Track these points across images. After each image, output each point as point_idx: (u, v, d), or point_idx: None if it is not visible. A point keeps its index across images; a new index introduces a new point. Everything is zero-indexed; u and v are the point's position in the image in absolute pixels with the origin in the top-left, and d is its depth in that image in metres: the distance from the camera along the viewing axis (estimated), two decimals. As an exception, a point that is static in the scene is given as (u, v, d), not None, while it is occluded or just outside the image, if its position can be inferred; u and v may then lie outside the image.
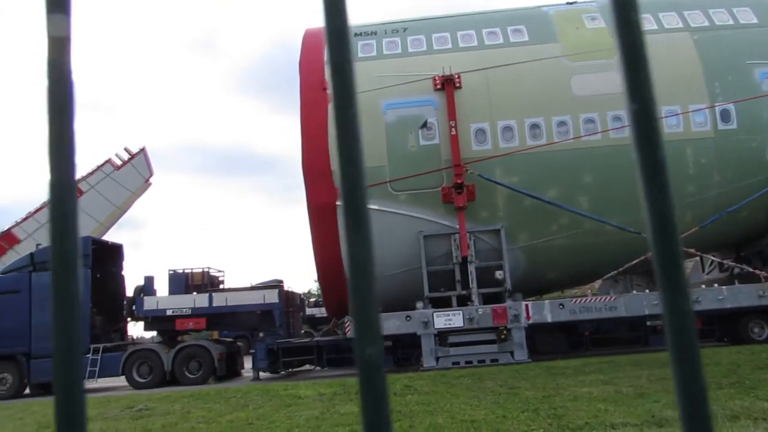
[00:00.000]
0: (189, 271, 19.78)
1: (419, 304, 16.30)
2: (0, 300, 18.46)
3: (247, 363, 19.70)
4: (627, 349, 16.02)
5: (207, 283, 19.90)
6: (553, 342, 16.62)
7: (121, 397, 14.12)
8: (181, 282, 19.41)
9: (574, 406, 8.71)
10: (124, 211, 34.94)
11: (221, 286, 20.62)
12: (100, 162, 33.29)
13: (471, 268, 16.53)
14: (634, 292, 17.53)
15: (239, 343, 21.35)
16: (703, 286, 17.70)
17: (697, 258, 19.20)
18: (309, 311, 30.53)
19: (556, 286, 20.07)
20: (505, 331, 15.85)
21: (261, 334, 18.20)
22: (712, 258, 18.44)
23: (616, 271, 16.99)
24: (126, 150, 34.15)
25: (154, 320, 19.06)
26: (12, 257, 25.87)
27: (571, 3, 19.16)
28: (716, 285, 17.06)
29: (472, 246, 16.65)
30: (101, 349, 18.03)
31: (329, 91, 0.68)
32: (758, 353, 12.81)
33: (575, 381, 10.98)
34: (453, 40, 18.02)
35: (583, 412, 8.23)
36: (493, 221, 16.95)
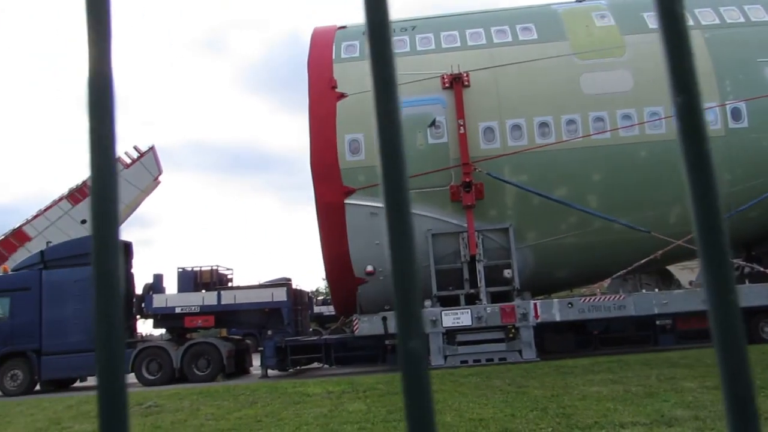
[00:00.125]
0: (198, 268, 19.86)
1: (427, 303, 16.30)
2: (11, 297, 18.60)
3: (256, 361, 19.75)
4: (636, 349, 15.96)
5: (216, 280, 19.96)
6: (562, 341, 16.58)
7: (131, 393, 14.13)
8: (190, 280, 19.48)
9: (582, 405, 8.69)
10: (134, 209, 35.15)
11: (230, 284, 20.68)
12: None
13: (479, 267, 16.51)
14: (644, 291, 17.47)
15: (248, 341, 21.41)
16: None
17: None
18: (317, 309, 30.60)
19: (565, 285, 20.03)
20: (513, 330, 15.83)
21: (269, 332, 18.23)
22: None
23: (625, 270, 16.92)
24: (135, 148, 34.32)
25: (163, 318, 19.14)
26: (23, 255, 26.08)
27: (580, 1, 19.08)
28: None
29: (480, 245, 16.63)
30: (111, 346, 18.11)
31: (370, 85, 0.69)
32: (769, 353, 12.73)
33: (584, 380, 10.95)
34: (461, 38, 17.99)
35: (592, 411, 8.21)
36: (501, 220, 16.92)
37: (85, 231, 27.66)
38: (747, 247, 18.64)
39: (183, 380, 17.69)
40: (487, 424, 7.86)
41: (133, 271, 21.17)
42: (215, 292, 18.94)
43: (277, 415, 9.75)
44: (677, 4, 0.62)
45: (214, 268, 20.29)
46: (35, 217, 31.36)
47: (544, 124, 17.01)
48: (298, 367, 18.35)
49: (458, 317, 16.01)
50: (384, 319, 16.29)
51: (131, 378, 18.33)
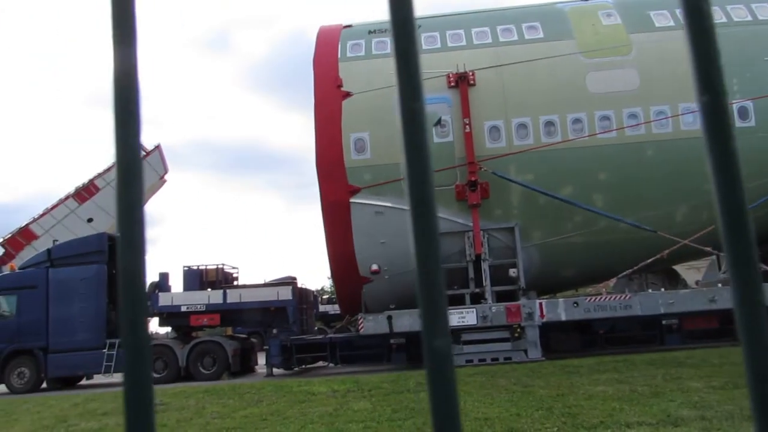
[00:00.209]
0: (203, 267, 19.91)
1: (432, 302, 16.27)
2: (18, 295, 18.70)
3: (261, 359, 19.79)
4: (642, 348, 15.91)
5: (221, 279, 20.01)
6: (568, 340, 16.54)
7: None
8: (196, 278, 19.54)
9: (588, 404, 8.67)
10: (140, 208, 35.18)
11: (235, 283, 20.72)
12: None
13: (484, 266, 16.48)
14: (650, 290, 17.40)
15: (253, 340, 21.46)
16: (720, 285, 17.52)
17: (714, 257, 19.00)
18: (322, 308, 30.62)
19: (571, 285, 19.97)
20: (518, 329, 15.80)
21: (274, 331, 18.27)
22: (729, 257, 18.25)
23: (631, 270, 16.87)
24: (141, 147, 34.39)
25: (168, 316, 19.20)
26: (29, 253, 26.20)
27: (586, -1, 19.02)
28: (733, 284, 16.88)
29: (485, 244, 16.60)
30: (117, 344, 18.18)
31: (394, 82, 0.69)
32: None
33: (589, 380, 10.93)
34: (467, 37, 17.96)
35: (597, 411, 8.19)
36: (507, 219, 16.89)
37: (91, 229, 27.77)
38: (754, 247, 18.53)
39: (188, 378, 17.74)
40: (492, 424, 7.85)
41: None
42: (221, 291, 18.99)
43: (283, 414, 9.77)
44: (704, 1, 0.62)
45: (220, 266, 20.34)
46: (42, 215, 31.50)
47: (550, 123, 16.97)
48: (303, 366, 18.37)
49: (463, 316, 15.99)
50: (389, 318, 16.29)
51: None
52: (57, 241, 21.90)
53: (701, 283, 20.07)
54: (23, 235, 30.56)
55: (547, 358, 15.28)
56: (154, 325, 21.84)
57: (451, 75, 17.17)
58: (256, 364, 20.69)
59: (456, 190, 16.75)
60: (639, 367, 12.02)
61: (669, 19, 17.74)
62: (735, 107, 16.70)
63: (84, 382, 19.98)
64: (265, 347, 18.67)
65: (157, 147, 34.84)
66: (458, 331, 16.00)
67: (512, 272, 16.44)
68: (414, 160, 0.65)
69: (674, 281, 20.32)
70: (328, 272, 35.78)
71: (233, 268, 21.44)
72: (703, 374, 10.60)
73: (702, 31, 0.63)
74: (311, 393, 11.57)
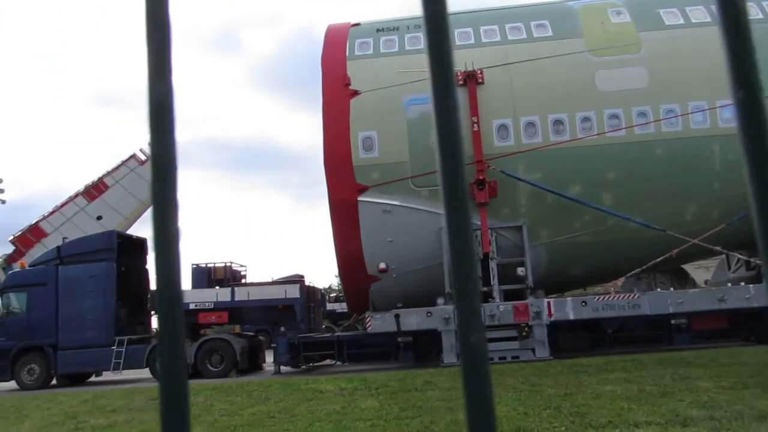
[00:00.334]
0: (212, 265, 19.98)
1: (440, 300, 16.27)
2: (28, 292, 18.83)
3: (269, 357, 19.85)
4: (651, 348, 15.84)
5: (229, 277, 20.08)
6: (576, 339, 16.48)
7: (145, 388, 14.32)
8: (204, 276, 19.61)
9: (596, 404, 8.64)
10: (148, 206, 35.10)
11: (243, 281, 20.79)
12: (124, 157, 33.76)
13: (492, 265, 16.44)
14: (658, 290, 17.31)
15: (261, 338, 21.51)
16: (730, 284, 17.41)
17: (723, 256, 18.88)
18: (330, 306, 30.68)
19: (579, 284, 19.90)
20: (526, 328, 15.76)
21: (282, 329, 18.30)
22: (739, 256, 18.12)
23: (639, 269, 16.78)
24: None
25: (177, 314, 19.27)
26: (39, 250, 26.36)
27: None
28: (743, 283, 16.77)
29: (493, 242, 16.57)
30: (126, 341, 18.29)
31: (428, 80, 0.69)
32: (786, 353, 12.58)
33: (598, 379, 10.89)
34: (476, 35, 17.91)
35: (606, 410, 8.16)
36: (515, 218, 16.85)
37: (100, 227, 27.92)
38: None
39: (197, 376, 17.81)
40: (500, 423, 7.83)
41: (147, 267, 21.36)
42: (229, 289, 19.05)
43: (290, 412, 9.79)
44: (738, -4, 0.61)
45: (228, 264, 20.41)
46: (51, 213, 31.69)
47: (558, 122, 16.90)
48: (311, 364, 18.40)
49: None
50: (397, 316, 16.29)
51: (146, 373, 18.48)
52: (66, 238, 22.03)
53: (710, 283, 19.95)
54: (33, 233, 30.76)
55: (555, 357, 15.24)
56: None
57: (459, 73, 17.11)
58: (264, 361, 20.75)
59: (464, 189, 16.71)
60: (647, 367, 11.96)
61: (679, 17, 17.62)
62: None
63: (93, 378, 20.10)
64: (272, 345, 18.71)
65: (166, 145, 34.93)
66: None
67: (520, 271, 16.40)
68: (448, 155, 0.65)
69: (683, 280, 20.20)
70: (335, 270, 35.86)
71: (241, 266, 21.52)
72: (713, 374, 10.54)
73: (737, 26, 0.62)
74: (319, 391, 11.59)
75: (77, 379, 19.43)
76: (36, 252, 26.63)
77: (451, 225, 0.65)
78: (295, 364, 17.90)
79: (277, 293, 19.00)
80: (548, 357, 15.30)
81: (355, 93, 17.27)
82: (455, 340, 15.91)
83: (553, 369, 12.76)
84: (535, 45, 17.42)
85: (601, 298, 16.38)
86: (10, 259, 29.36)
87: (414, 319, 16.21)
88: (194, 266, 19.84)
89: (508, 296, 16.49)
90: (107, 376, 19.29)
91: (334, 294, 37.30)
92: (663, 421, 7.31)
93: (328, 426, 8.55)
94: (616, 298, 16.33)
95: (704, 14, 17.60)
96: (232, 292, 18.87)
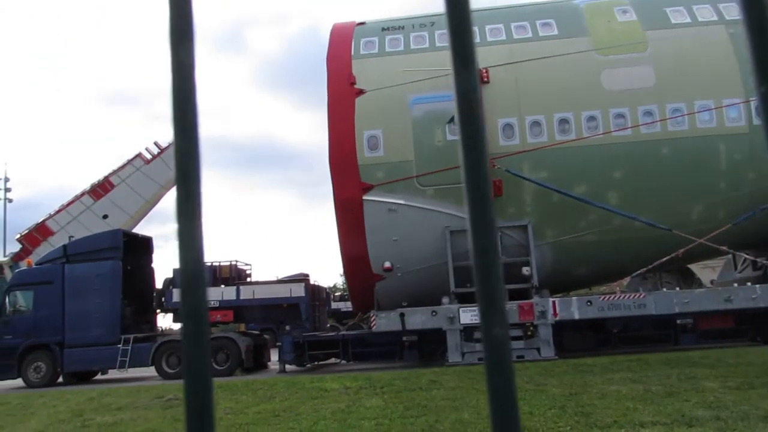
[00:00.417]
0: (217, 264, 20.02)
1: (445, 300, 16.27)
2: (34, 291, 18.92)
3: (274, 356, 19.88)
4: (656, 348, 15.80)
5: (234, 276, 20.11)
6: (581, 339, 16.44)
7: (151, 387, 14.38)
8: (209, 275, 19.65)
9: (602, 404, 8.62)
10: (154, 205, 35.49)
11: (248, 280, 20.83)
12: (130, 156, 33.88)
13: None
14: (664, 289, 17.26)
15: (266, 336, 21.56)
16: (736, 284, 17.34)
17: (730, 256, 18.81)
18: (334, 305, 30.71)
19: (584, 283, 19.85)
20: (531, 328, 15.74)
21: (287, 327, 18.34)
22: (745, 256, 18.06)
23: (645, 268, 16.73)
24: (156, 144, 34.65)
25: (182, 312, 19.33)
26: (46, 249, 26.48)
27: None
28: (749, 283, 16.71)
29: (498, 241, 16.52)
30: (131, 339, 18.36)
31: (451, 76, 0.69)
32: (793, 354, 12.52)
33: (603, 379, 10.87)
34: (481, 34, 17.87)
35: (611, 410, 8.14)
36: (520, 217, 16.82)
37: (106, 226, 28.02)
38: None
39: (202, 374, 17.83)
40: (504, 422, 7.82)
41: (153, 265, 21.44)
42: (234, 288, 19.09)
43: (295, 410, 9.81)
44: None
45: (233, 263, 20.45)
46: (58, 211, 31.83)
47: (564, 121, 16.86)
48: (316, 363, 18.43)
49: (476, 314, 15.88)
50: (401, 315, 16.29)
51: (151, 371, 18.55)
52: (73, 237, 22.12)
53: (716, 283, 19.88)
54: (40, 231, 30.90)
55: (560, 356, 15.22)
56: (168, 322, 22.03)
57: (464, 72, 17.10)
58: (269, 360, 20.80)
59: (469, 188, 16.70)
60: (653, 367, 11.93)
61: (685, 15, 17.55)
62: (753, 105, 16.49)
63: (99, 377, 20.19)
64: (277, 344, 18.75)
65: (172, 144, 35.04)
66: (471, 329, 15.97)
67: (525, 270, 16.37)
68: (471, 149, 0.66)
69: (689, 280, 20.15)
70: (340, 269, 35.88)
71: (246, 264, 21.56)
72: (719, 374, 10.50)
73: (760, 21, 0.62)
74: (324, 389, 11.61)
75: (83, 377, 19.52)
76: (42, 250, 26.76)
77: (475, 219, 0.66)
78: (300, 362, 17.93)
79: (282, 292, 19.03)
80: (553, 357, 15.28)
81: (361, 92, 17.27)
82: (459, 339, 15.91)
83: (558, 369, 12.74)
84: (541, 44, 17.39)
85: (606, 298, 16.35)
86: (17, 257, 29.51)
87: (419, 318, 16.21)
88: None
89: (513, 296, 16.45)
90: (113, 374, 19.37)
91: (339, 293, 37.33)
92: (669, 422, 7.28)
93: (333, 424, 8.56)
94: (621, 297, 16.29)
95: (711, 13, 17.52)
96: (238, 291, 18.91)
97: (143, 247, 21.27)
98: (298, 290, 18.93)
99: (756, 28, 0.61)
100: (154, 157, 34.00)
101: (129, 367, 18.21)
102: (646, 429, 7.05)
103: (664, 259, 16.05)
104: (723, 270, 20.96)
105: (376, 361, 17.42)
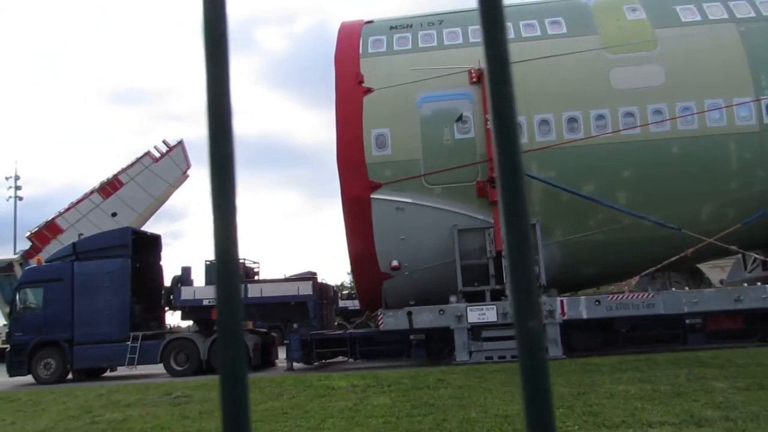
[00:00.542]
0: (225, 262, 20.06)
1: (453, 298, 16.25)
2: (44, 288, 19.05)
3: (281, 353, 19.94)
4: (665, 348, 15.73)
5: (242, 274, 20.10)
6: (589, 339, 16.39)
7: (159, 384, 14.45)
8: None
9: (610, 403, 8.60)
10: (162, 203, 35.67)
11: (256, 278, 20.88)
12: (139, 154, 34.04)
13: (505, 263, 16.34)
14: (673, 289, 17.18)
15: (273, 334, 21.61)
16: (746, 284, 17.24)
17: (739, 255, 18.69)
18: (342, 303, 30.74)
19: (592, 282, 19.79)
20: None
21: (295, 326, 18.38)
22: (755, 256, 17.94)
23: (654, 268, 16.66)
24: (164, 143, 34.82)
25: (191, 310, 19.42)
26: (55, 246, 26.66)
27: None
28: (759, 283, 16.60)
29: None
30: (140, 336, 18.46)
31: (484, 71, 0.70)
32: (803, 354, 12.44)
33: (611, 378, 10.83)
34: (489, 32, 17.83)
35: (619, 410, 8.12)
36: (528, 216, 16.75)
37: (115, 224, 28.18)
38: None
39: (210, 371, 17.93)
40: (512, 421, 7.83)
41: (161, 263, 21.54)
42: (242, 286, 19.09)
43: (303, 408, 9.84)
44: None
45: (241, 261, 20.45)
46: (67, 209, 32.03)
47: (572, 119, 16.80)
48: (323, 361, 18.46)
49: (484, 313, 15.94)
50: (409, 314, 16.29)
51: (160, 368, 18.65)
52: (82, 235, 22.25)
53: (726, 282, 19.76)
54: (49, 229, 31.11)
55: (567, 356, 15.17)
56: (176, 319, 22.13)
57: (473, 71, 17.08)
58: (277, 358, 20.86)
59: (477, 187, 16.68)
60: (662, 367, 11.88)
61: (695, 13, 17.43)
62: (764, 104, 16.39)
63: (108, 374, 20.31)
64: (285, 342, 18.80)
65: (180, 143, 35.20)
66: (478, 328, 15.96)
67: (533, 269, 16.32)
68: (505, 145, 0.66)
69: (698, 280, 20.04)
70: (348, 268, 35.90)
71: (254, 262, 21.62)
72: (728, 375, 10.44)
73: None
74: (331, 387, 11.63)
75: (92, 373, 19.64)
76: (52, 248, 26.94)
77: (508, 213, 0.67)
78: (308, 360, 17.96)
79: (290, 290, 19.07)
80: (561, 356, 15.23)
81: (369, 90, 17.28)
82: (467, 338, 15.89)
83: (566, 368, 12.70)
84: (550, 42, 17.33)
85: (614, 297, 16.29)
86: (27, 255, 29.72)
87: (426, 317, 16.21)
88: (208, 263, 19.95)
89: (520, 295, 16.42)
90: (122, 371, 19.48)
91: (347, 291, 37.36)
92: (677, 422, 7.26)
93: (341, 422, 8.58)
94: (630, 297, 16.22)
95: (721, 11, 17.40)
96: (245, 289, 18.95)
97: (152, 244, 21.37)
98: (306, 288, 18.97)
99: None
100: (163, 155, 34.16)
101: (138, 364, 18.31)
102: (655, 429, 7.03)
103: (673, 258, 15.97)
104: (732, 270, 20.83)
105: (384, 360, 17.44)
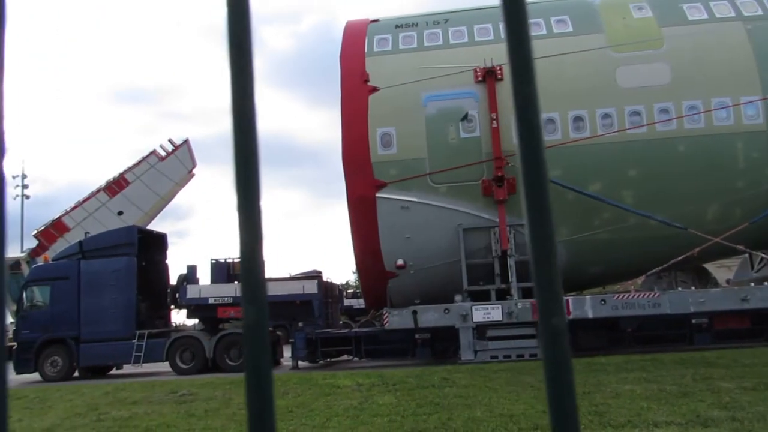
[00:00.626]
0: (231, 260, 20.13)
1: (458, 297, 16.24)
2: (51, 286, 19.13)
3: (286, 352, 19.97)
4: (671, 348, 15.67)
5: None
6: (595, 338, 16.34)
7: (165, 382, 14.49)
8: (223, 271, 19.77)
9: (615, 403, 8.58)
10: (168, 202, 35.79)
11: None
12: (145, 153, 34.16)
13: (510, 262, 16.37)
14: (679, 289, 17.11)
15: (278, 333, 21.63)
16: (752, 284, 17.15)
17: (746, 255, 18.60)
18: (347, 302, 30.73)
19: (598, 282, 19.73)
20: (544, 326, 15.66)
21: (300, 324, 18.40)
22: (762, 255, 17.85)
23: (660, 267, 16.59)
24: (170, 141, 34.92)
25: (196, 308, 19.48)
26: (62, 245, 26.79)
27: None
28: (766, 283, 16.51)
29: (512, 239, 16.49)
30: (146, 335, 18.52)
31: (507, 68, 0.70)
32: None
33: (617, 378, 10.81)
34: (495, 31, 17.79)
35: (625, 409, 8.10)
36: (533, 215, 16.72)
37: (121, 222, 28.29)
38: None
39: (216, 369, 17.99)
40: (517, 420, 7.82)
41: (167, 262, 21.61)
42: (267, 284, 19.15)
43: (308, 406, 9.85)
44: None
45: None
46: (74, 208, 32.18)
47: (578, 118, 16.75)
48: (328, 360, 18.48)
49: (489, 312, 15.92)
50: (414, 312, 16.29)
51: (165, 366, 18.71)
52: (88, 233, 22.34)
53: (732, 282, 19.67)
54: (56, 228, 31.26)
55: (573, 355, 15.04)
56: (182, 317, 22.19)
57: (478, 69, 17.05)
58: (282, 356, 20.88)
59: (482, 186, 16.66)
60: (668, 367, 11.84)
61: (702, 11, 17.35)
62: None
63: (114, 371, 20.39)
64: (290, 340, 18.82)
65: (185, 142, 35.30)
66: (483, 327, 15.94)
67: (539, 268, 16.29)
68: (528, 143, 0.66)
69: (704, 280, 19.94)
70: (353, 267, 35.94)
71: (260, 261, 21.61)
72: (735, 375, 10.40)
73: None
74: (336, 386, 11.64)
75: (98, 371, 19.72)
76: (59, 246, 27.07)
77: (532, 208, 0.67)
78: (313, 359, 17.99)
79: (295, 289, 19.09)
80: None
81: (374, 89, 17.27)
82: (472, 338, 15.88)
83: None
84: (555, 41, 17.27)
85: (620, 297, 16.24)
86: (34, 253, 29.89)
87: (431, 316, 16.20)
88: (213, 261, 20.01)
89: (526, 293, 16.40)
90: (128, 369, 19.55)
91: (352, 290, 37.36)
92: (683, 422, 7.23)
93: (346, 421, 8.59)
94: (635, 296, 16.17)
95: (728, 9, 17.32)
96: (251, 288, 18.97)
97: (158, 243, 21.44)
98: (311, 287, 18.99)
99: None
100: (169, 154, 34.26)
101: (143, 362, 18.38)
102: (661, 429, 7.01)
103: (680, 258, 15.90)
104: (739, 269, 20.73)
105: (389, 359, 17.44)
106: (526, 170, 0.67)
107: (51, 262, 20.79)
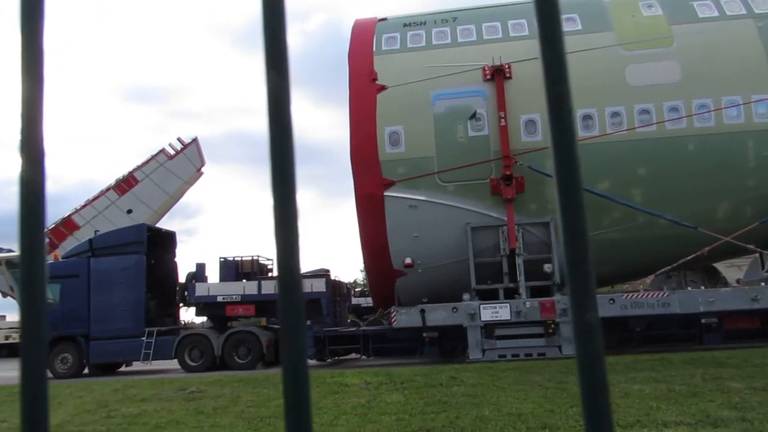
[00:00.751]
0: (239, 259, 20.19)
1: (466, 296, 16.22)
2: (61, 284, 19.26)
3: (294, 350, 19.97)
4: (680, 347, 15.59)
5: (256, 270, 20.25)
6: (603, 337, 16.24)
7: (174, 379, 14.56)
8: (232, 269, 19.82)
9: (624, 403, 8.54)
10: (177, 200, 35.94)
11: (270, 274, 20.96)
12: (154, 152, 34.31)
13: (519, 261, 16.34)
14: (689, 288, 17.02)
15: (286, 331, 21.66)
16: (763, 283, 17.03)
17: (757, 254, 18.46)
18: (355, 301, 30.76)
19: (607, 281, 19.65)
20: (552, 325, 15.64)
21: (308, 322, 18.43)
22: (773, 255, 17.71)
23: (669, 267, 16.51)
24: (179, 140, 35.06)
25: (205, 306, 19.54)
26: (71, 243, 26.96)
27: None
28: (777, 283, 16.40)
29: (520, 238, 16.45)
30: (155, 332, 18.62)
31: (539, 66, 0.71)
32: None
33: (626, 378, 10.76)
34: (503, 29, 17.75)
35: (634, 409, 8.07)
36: (542, 214, 16.70)
37: (130, 220, 28.42)
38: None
39: (224, 367, 18.06)
40: (525, 419, 7.80)
41: (176, 260, 21.70)
42: (256, 282, 19.23)
43: (316, 405, 9.87)
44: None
45: (255, 258, 20.59)
46: (83, 206, 32.38)
47: (587, 117, 16.68)
48: (336, 358, 18.51)
49: (497, 311, 15.90)
50: (422, 311, 16.29)
51: (174, 364, 18.80)
52: (98, 231, 22.47)
53: (743, 282, 19.53)
54: (66, 226, 31.46)
55: (581, 354, 15.08)
56: (191, 315, 22.29)
57: (486, 68, 17.01)
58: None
59: (491, 184, 16.63)
60: (677, 366, 11.78)
61: (713, 9, 17.23)
62: None
63: (123, 369, 20.50)
64: (298, 338, 18.83)
65: (194, 140, 35.43)
66: (491, 326, 15.92)
67: (547, 267, 16.26)
68: (562, 143, 0.67)
69: (714, 279, 19.82)
70: (361, 265, 35.92)
71: (268, 259, 21.69)
72: (745, 375, 10.33)
73: None
74: (344, 384, 11.66)
75: (108, 368, 19.84)
76: (68, 244, 27.24)
77: (565, 205, 0.67)
78: (321, 357, 18.03)
79: (304, 287, 19.09)
80: (574, 355, 15.13)
81: (382, 88, 17.27)
82: (480, 336, 15.85)
83: (580, 367, 12.62)
84: (565, 39, 17.17)
85: (629, 296, 16.17)
86: (44, 251, 30.02)
87: (439, 315, 16.20)
88: (222, 260, 20.08)
89: (534, 293, 16.37)
90: (137, 366, 19.66)
91: (360, 288, 37.39)
92: (693, 422, 7.20)
93: (354, 419, 8.60)
94: (645, 296, 16.09)
95: (739, 6, 17.18)
96: (259, 286, 19.05)
97: (167, 241, 21.53)
98: (319, 285, 19.00)
99: None
100: (178, 152, 34.40)
101: (152, 359, 18.47)
102: (670, 429, 6.98)
103: (689, 257, 15.81)
104: (749, 269, 20.58)
105: (397, 357, 17.45)
106: (560, 169, 0.67)
107: (61, 260, 20.91)
